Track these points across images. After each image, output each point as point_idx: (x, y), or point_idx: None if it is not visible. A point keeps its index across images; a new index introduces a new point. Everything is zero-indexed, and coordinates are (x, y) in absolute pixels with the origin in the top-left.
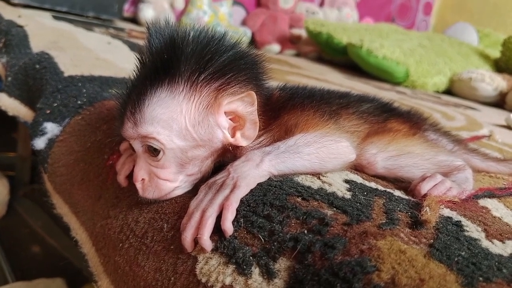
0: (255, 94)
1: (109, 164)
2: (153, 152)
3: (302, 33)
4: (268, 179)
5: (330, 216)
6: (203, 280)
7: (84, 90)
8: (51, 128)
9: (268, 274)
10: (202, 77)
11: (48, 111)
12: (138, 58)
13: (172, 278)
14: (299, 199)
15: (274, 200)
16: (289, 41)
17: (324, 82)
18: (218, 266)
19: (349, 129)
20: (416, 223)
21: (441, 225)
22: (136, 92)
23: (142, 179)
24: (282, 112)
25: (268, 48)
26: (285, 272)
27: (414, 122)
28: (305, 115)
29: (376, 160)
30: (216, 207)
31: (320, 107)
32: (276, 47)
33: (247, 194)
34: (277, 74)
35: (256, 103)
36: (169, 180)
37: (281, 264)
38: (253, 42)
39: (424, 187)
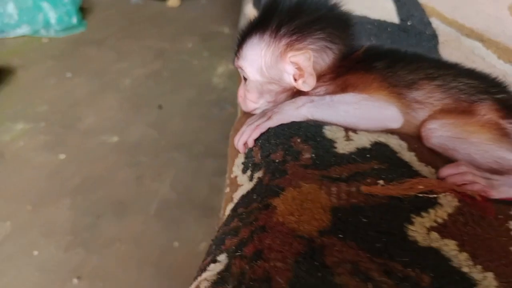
0: (311, 52)
1: None
2: (245, 79)
3: None
4: (305, 121)
5: (295, 156)
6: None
7: None
8: None
9: (250, 178)
10: (282, 31)
11: None
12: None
13: None
14: (298, 140)
15: (283, 135)
16: None
17: None
18: (240, 164)
19: (413, 99)
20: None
21: None
22: (243, 34)
23: (240, 96)
24: (351, 70)
25: None
26: (257, 179)
27: (508, 110)
28: (365, 78)
29: (432, 135)
30: (252, 127)
31: (387, 73)
32: None
33: (277, 126)
34: None
35: (311, 59)
36: (253, 101)
37: (259, 175)
38: None
39: (443, 172)
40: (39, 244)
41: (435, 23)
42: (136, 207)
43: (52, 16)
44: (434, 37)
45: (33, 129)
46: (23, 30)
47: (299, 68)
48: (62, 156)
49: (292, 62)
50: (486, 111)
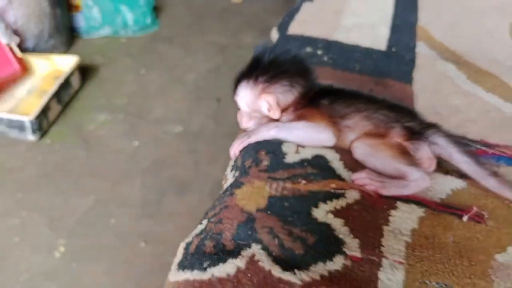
0: (277, 95)
1: None
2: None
3: None
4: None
5: (256, 163)
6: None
7: None
8: None
9: (233, 176)
10: (259, 80)
11: None
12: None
13: None
14: (263, 152)
15: (255, 149)
16: None
17: None
18: (230, 166)
19: (346, 126)
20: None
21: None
22: (237, 79)
23: (238, 118)
24: (305, 106)
25: None
26: (234, 177)
27: (414, 134)
28: (313, 111)
29: (356, 151)
30: (239, 142)
31: (329, 108)
32: None
33: (254, 142)
34: None
35: (275, 100)
36: (245, 123)
37: (236, 174)
38: None
39: (353, 177)
40: (115, 214)
41: (420, 47)
42: (193, 187)
43: (130, 18)
44: (412, 61)
45: (113, 119)
46: (105, 31)
47: (269, 104)
48: (135, 143)
49: (265, 100)
50: (395, 135)
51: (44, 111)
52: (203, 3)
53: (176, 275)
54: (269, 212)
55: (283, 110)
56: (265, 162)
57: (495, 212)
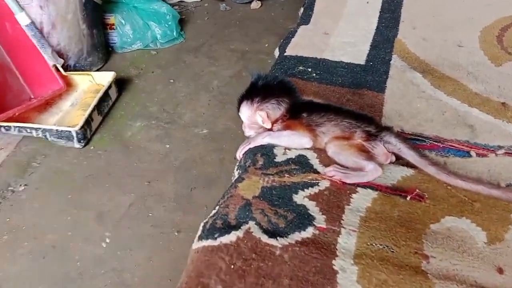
0: (268, 111)
1: None
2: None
3: None
4: (266, 144)
5: (254, 163)
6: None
7: None
8: None
9: (238, 173)
10: (255, 100)
11: None
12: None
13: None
14: (259, 155)
15: (253, 152)
16: None
17: None
18: (236, 166)
19: (321, 131)
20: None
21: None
22: (240, 100)
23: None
24: (290, 118)
25: None
26: (238, 173)
27: (371, 135)
28: (295, 122)
29: (328, 151)
30: (242, 148)
31: (307, 119)
32: None
33: (253, 147)
34: None
35: (266, 115)
36: (248, 131)
37: (239, 172)
38: None
39: (324, 170)
40: (153, 208)
41: (394, 60)
42: (219, 182)
43: (158, 32)
44: (386, 73)
45: (147, 125)
46: (137, 45)
47: (262, 118)
48: (168, 146)
49: (259, 115)
50: (357, 137)
51: (87, 122)
52: (225, 13)
53: (196, 244)
54: (261, 198)
55: (274, 122)
56: (260, 162)
57: (434, 193)
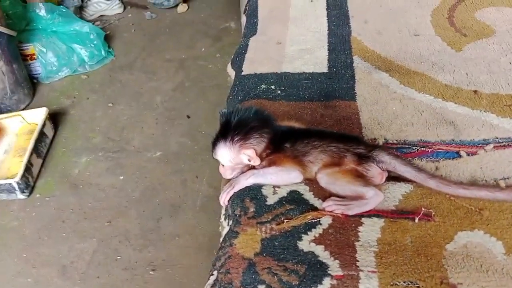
0: (254, 147)
1: None
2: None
3: None
4: (252, 185)
5: (245, 211)
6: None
7: None
8: None
9: (227, 224)
10: (235, 139)
11: None
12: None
13: None
14: (248, 199)
15: (240, 197)
16: None
17: None
18: (222, 214)
19: (308, 161)
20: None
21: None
22: (214, 141)
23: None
24: (273, 152)
25: None
26: (228, 226)
27: (363, 157)
28: (279, 156)
29: (320, 181)
30: (225, 193)
31: (291, 150)
32: None
33: (238, 190)
34: None
35: (253, 153)
36: (229, 175)
37: (229, 223)
38: None
39: (323, 205)
40: (120, 250)
41: (356, 61)
42: (186, 207)
43: (84, 54)
44: (352, 77)
45: (94, 159)
46: (64, 72)
47: (250, 156)
48: (121, 177)
49: (245, 154)
50: (348, 162)
51: (27, 168)
52: (152, 21)
53: None
54: (264, 254)
55: (259, 156)
56: (251, 209)
57: (440, 208)
